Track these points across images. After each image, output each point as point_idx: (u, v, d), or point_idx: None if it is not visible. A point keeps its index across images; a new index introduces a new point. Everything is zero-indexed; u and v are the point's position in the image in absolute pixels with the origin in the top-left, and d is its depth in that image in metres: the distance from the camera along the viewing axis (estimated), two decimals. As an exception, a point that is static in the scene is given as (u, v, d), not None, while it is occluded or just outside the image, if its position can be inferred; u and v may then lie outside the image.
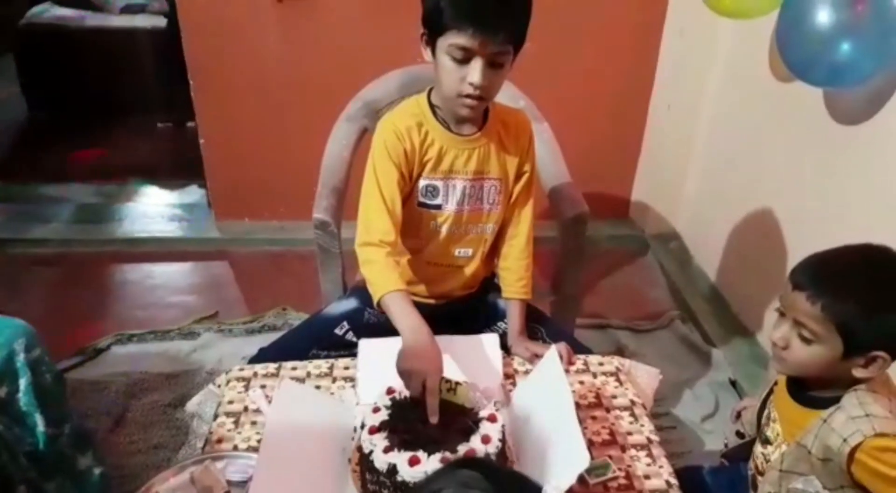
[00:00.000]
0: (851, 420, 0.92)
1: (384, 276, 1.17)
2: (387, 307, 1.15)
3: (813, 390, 1.02)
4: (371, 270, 1.19)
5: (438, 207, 1.28)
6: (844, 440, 0.92)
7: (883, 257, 0.98)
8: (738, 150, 2.24)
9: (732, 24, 2.08)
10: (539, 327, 1.39)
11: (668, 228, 2.70)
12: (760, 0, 1.60)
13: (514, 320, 1.35)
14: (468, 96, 1.14)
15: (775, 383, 1.12)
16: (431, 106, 1.24)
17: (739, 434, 1.26)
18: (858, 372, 0.95)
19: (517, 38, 1.12)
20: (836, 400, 0.96)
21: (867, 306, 0.93)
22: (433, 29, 1.13)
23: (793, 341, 0.98)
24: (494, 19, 1.07)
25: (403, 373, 1.06)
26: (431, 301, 1.37)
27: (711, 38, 2.31)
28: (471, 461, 0.71)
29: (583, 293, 2.35)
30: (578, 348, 1.36)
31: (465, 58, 1.10)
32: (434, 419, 1.01)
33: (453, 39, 1.09)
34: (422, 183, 1.26)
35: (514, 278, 1.35)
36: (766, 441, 1.08)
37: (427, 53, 1.17)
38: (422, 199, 1.27)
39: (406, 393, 1.06)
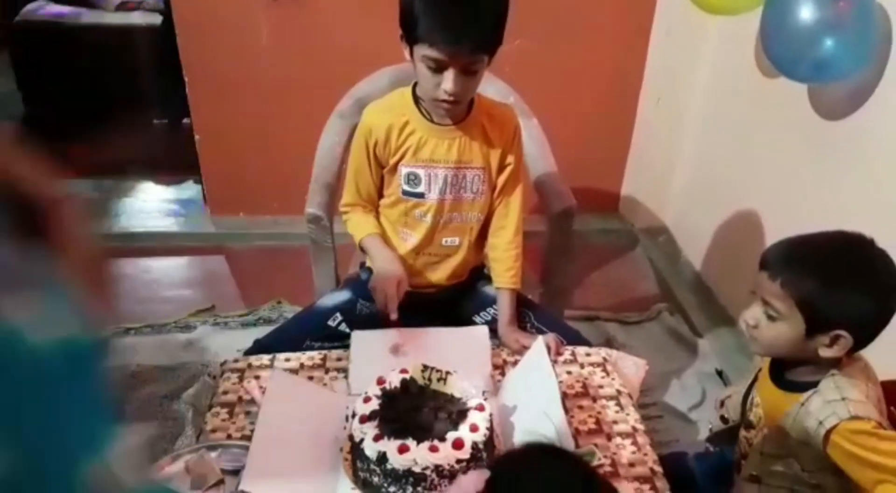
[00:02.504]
0: (828, 404, 0.95)
1: (359, 225, 1.37)
2: (366, 249, 1.36)
3: (791, 374, 1.05)
4: (349, 225, 1.39)
5: (421, 195, 1.32)
6: (820, 423, 0.94)
7: (850, 240, 1.00)
8: (726, 144, 2.26)
9: (719, 19, 2.10)
10: (528, 311, 1.42)
11: (656, 223, 2.73)
12: (745, -3, 1.62)
13: (503, 309, 1.38)
14: (444, 101, 1.19)
15: (760, 370, 1.14)
16: (416, 98, 1.28)
17: (724, 420, 1.29)
18: (824, 352, 0.97)
19: (489, 47, 1.16)
20: (815, 385, 0.99)
21: (825, 283, 0.95)
22: (408, 36, 1.17)
23: (761, 321, 1.01)
24: (464, 34, 1.10)
25: (371, 290, 1.29)
26: (422, 290, 1.40)
27: (699, 34, 2.32)
28: (551, 450, 0.67)
29: (572, 286, 2.38)
30: (566, 332, 1.39)
31: (438, 67, 1.15)
32: (393, 317, 1.24)
33: (426, 51, 1.13)
34: (404, 171, 1.30)
35: (503, 268, 1.38)
36: (749, 425, 1.11)
37: (406, 52, 1.20)
38: (406, 187, 1.31)
39: (396, 383, 1.08)
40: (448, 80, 1.15)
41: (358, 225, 1.37)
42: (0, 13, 3.91)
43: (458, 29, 1.10)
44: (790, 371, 1.05)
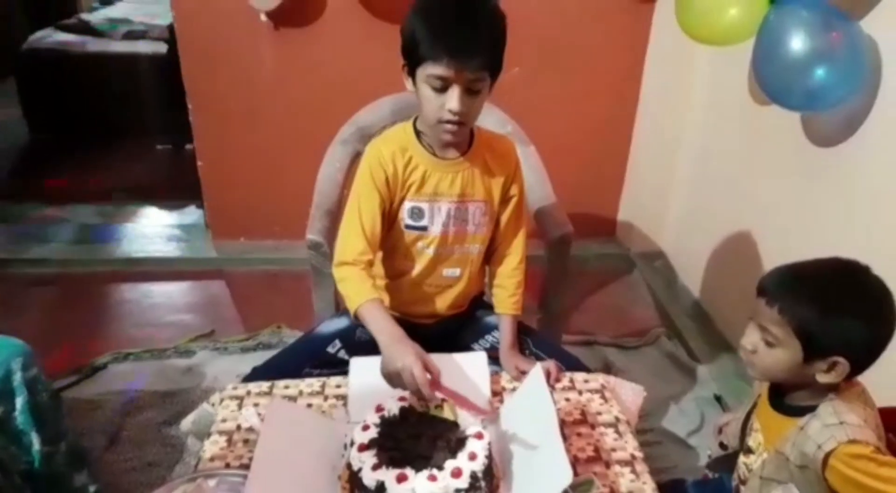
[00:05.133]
0: (826, 427, 0.95)
1: (358, 289, 1.24)
2: (362, 318, 1.22)
3: (789, 398, 1.05)
4: (345, 286, 1.26)
5: (424, 228, 1.32)
6: (819, 447, 0.95)
7: (846, 267, 1.01)
8: (721, 170, 2.28)
9: (712, 49, 2.14)
10: (526, 337, 1.43)
11: (653, 248, 2.74)
12: (736, 28, 1.65)
13: (505, 334, 1.38)
14: (448, 122, 1.18)
15: (759, 396, 1.15)
16: (417, 132, 1.29)
17: (723, 446, 1.29)
18: (821, 377, 0.98)
19: (492, 64, 1.17)
20: (814, 409, 0.99)
21: (822, 310, 0.96)
22: (411, 60, 1.18)
23: (759, 346, 1.02)
24: (468, 49, 1.12)
25: (387, 377, 1.13)
26: (421, 321, 1.41)
27: (693, 63, 2.36)
28: None
29: (570, 311, 2.39)
30: (564, 358, 1.39)
31: (443, 86, 1.15)
32: (433, 404, 1.09)
33: (430, 70, 1.14)
34: (407, 205, 1.30)
35: (506, 294, 1.39)
36: (749, 451, 1.11)
37: (408, 83, 1.22)
38: (408, 221, 1.31)
39: (395, 411, 1.08)
40: (453, 98, 1.15)
41: (355, 287, 1.24)
42: (7, 41, 3.98)
43: (461, 43, 1.12)
44: (789, 396, 1.06)
